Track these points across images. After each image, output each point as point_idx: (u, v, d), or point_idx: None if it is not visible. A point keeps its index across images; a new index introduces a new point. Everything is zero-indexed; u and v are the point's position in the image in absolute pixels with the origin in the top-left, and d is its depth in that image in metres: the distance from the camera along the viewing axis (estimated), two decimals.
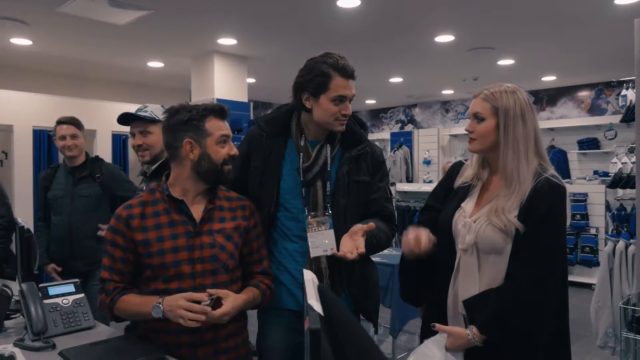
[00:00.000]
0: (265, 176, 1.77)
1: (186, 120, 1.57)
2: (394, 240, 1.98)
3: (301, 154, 1.75)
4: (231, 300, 1.50)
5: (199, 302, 1.44)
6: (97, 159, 3.09)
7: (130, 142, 2.32)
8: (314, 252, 1.68)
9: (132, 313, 1.56)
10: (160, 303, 1.46)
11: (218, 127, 1.59)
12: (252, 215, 1.69)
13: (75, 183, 2.94)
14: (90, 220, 2.89)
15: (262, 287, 1.66)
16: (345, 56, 1.72)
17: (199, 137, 1.57)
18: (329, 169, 1.75)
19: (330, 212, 1.69)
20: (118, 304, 1.56)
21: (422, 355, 1.47)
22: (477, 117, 1.55)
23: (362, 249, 1.56)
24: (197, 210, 1.60)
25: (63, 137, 2.91)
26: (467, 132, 1.60)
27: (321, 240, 1.67)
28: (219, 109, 1.61)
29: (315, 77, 1.67)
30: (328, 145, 1.77)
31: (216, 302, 1.47)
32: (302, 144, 1.76)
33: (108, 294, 1.57)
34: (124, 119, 2.28)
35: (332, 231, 1.69)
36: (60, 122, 2.96)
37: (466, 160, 1.72)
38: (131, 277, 1.61)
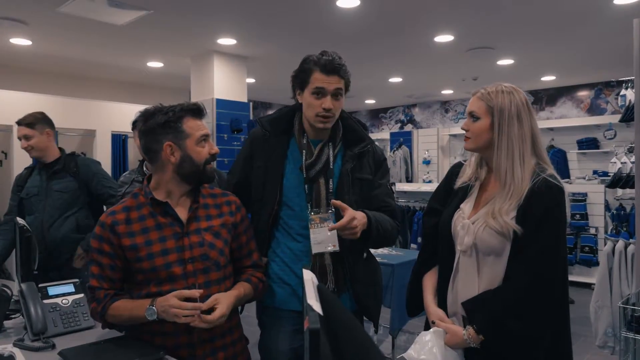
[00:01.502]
0: (268, 175, 1.78)
1: (163, 123, 1.55)
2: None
3: (304, 151, 1.76)
4: (224, 302, 1.50)
5: (190, 299, 1.45)
6: (72, 154, 2.89)
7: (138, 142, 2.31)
8: (315, 249, 1.68)
9: (125, 318, 1.55)
10: (153, 305, 1.47)
11: (196, 127, 1.58)
12: (238, 210, 1.69)
13: (49, 178, 2.75)
14: (64, 218, 2.72)
15: (253, 280, 1.67)
16: (340, 55, 1.73)
17: (178, 139, 1.56)
18: (331, 167, 1.76)
19: (333, 209, 1.69)
20: (110, 310, 1.55)
21: (424, 344, 1.48)
22: (473, 116, 1.56)
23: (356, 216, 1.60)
24: (183, 211, 1.60)
25: (19, 139, 2.76)
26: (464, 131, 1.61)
27: (323, 237, 1.67)
28: (195, 109, 1.60)
29: (300, 72, 1.74)
30: (330, 143, 1.79)
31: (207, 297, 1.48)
32: (304, 142, 1.78)
33: (99, 302, 1.56)
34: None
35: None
36: (16, 122, 2.79)
37: (465, 160, 1.72)
38: (121, 284, 1.60)
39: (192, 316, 1.43)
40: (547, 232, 1.45)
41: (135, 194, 1.64)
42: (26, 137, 2.75)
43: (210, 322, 1.46)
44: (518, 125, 1.50)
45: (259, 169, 1.80)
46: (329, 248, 1.67)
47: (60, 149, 2.88)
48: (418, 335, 1.54)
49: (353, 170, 1.77)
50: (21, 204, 2.82)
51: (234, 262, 1.70)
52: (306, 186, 1.75)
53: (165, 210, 1.58)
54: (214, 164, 1.68)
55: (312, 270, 1.72)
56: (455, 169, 1.73)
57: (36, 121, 2.79)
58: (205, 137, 1.60)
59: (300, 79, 1.74)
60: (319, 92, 1.70)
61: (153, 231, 1.56)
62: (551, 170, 1.52)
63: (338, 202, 1.63)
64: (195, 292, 1.46)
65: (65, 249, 2.73)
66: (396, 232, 1.82)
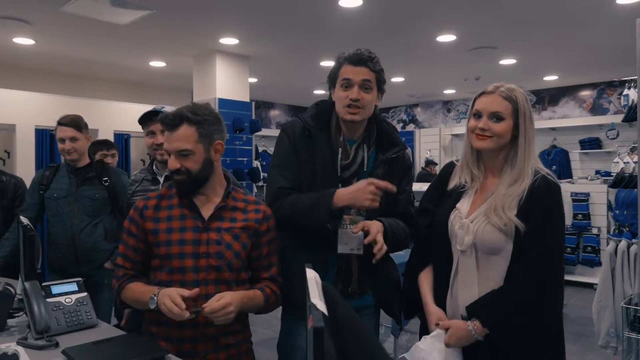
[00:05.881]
0: (319, 172, 1.74)
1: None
2: None
3: (340, 149, 1.76)
4: (228, 296, 1.48)
5: (194, 299, 1.47)
6: (102, 162, 2.97)
7: (149, 141, 2.33)
8: (341, 249, 1.69)
9: (134, 301, 1.61)
10: (156, 294, 1.48)
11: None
12: (265, 220, 1.67)
13: (79, 184, 2.79)
14: (94, 225, 2.77)
15: (267, 291, 1.66)
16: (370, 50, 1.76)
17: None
18: (365, 169, 1.76)
19: (364, 212, 1.70)
20: (124, 291, 1.62)
21: (419, 351, 1.47)
22: (496, 116, 1.52)
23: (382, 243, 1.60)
24: (208, 208, 1.62)
25: (62, 140, 2.75)
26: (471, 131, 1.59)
27: (350, 239, 1.68)
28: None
29: (332, 70, 1.77)
30: (365, 145, 1.79)
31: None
32: (340, 140, 1.78)
33: (117, 280, 1.65)
34: (146, 117, 2.30)
35: (362, 232, 1.68)
36: (59, 123, 2.79)
37: (457, 160, 1.71)
38: (143, 267, 1.65)
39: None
40: (552, 232, 1.46)
41: (171, 184, 1.68)
42: (72, 139, 2.76)
43: (213, 310, 1.45)
44: (532, 126, 1.54)
45: (306, 163, 1.76)
46: (354, 250, 1.68)
47: (89, 155, 2.91)
48: (420, 339, 1.54)
49: (384, 176, 1.74)
50: (42, 203, 2.83)
51: (252, 271, 1.69)
52: (340, 185, 1.73)
53: (189, 204, 1.62)
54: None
55: (337, 272, 1.73)
56: (448, 169, 1.72)
57: (83, 125, 2.82)
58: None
59: (331, 76, 1.77)
60: (347, 84, 1.70)
61: (176, 220, 1.61)
62: (546, 169, 1.55)
63: (368, 223, 1.62)
64: (185, 293, 1.44)
65: (93, 257, 2.77)
66: (410, 240, 1.82)
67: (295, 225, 1.73)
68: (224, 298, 1.48)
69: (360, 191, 1.62)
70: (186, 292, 1.46)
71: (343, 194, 1.64)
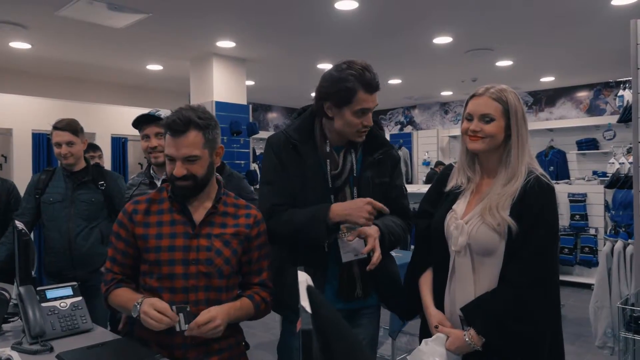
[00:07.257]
0: (309, 185, 1.73)
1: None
2: None
3: (328, 160, 1.74)
4: (213, 309, 1.48)
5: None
6: (97, 165, 2.97)
7: (144, 144, 2.33)
8: (345, 258, 1.69)
9: (120, 307, 1.60)
10: (139, 303, 1.48)
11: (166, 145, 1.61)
12: (256, 225, 1.66)
13: (75, 188, 2.78)
14: (90, 229, 2.77)
15: (256, 298, 1.65)
16: (369, 64, 1.69)
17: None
18: (355, 175, 1.75)
19: None
20: (110, 296, 1.61)
21: (421, 354, 1.48)
22: (487, 118, 1.53)
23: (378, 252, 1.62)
24: (200, 213, 1.61)
25: (58, 144, 2.74)
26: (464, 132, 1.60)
27: (351, 246, 1.68)
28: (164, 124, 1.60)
29: (340, 90, 1.64)
30: (352, 150, 1.77)
31: (189, 316, 1.48)
32: (327, 150, 1.75)
33: (105, 284, 1.63)
34: (140, 120, 2.30)
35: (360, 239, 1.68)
36: (55, 127, 2.77)
37: (456, 162, 1.72)
38: (131, 271, 1.64)
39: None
40: (542, 232, 1.46)
41: (162, 188, 1.67)
42: (69, 144, 2.75)
43: (198, 324, 1.45)
44: (525, 125, 1.54)
45: (295, 177, 1.74)
46: (358, 256, 1.68)
47: (85, 159, 2.91)
48: (420, 343, 1.54)
49: (373, 177, 1.76)
50: (38, 207, 2.82)
51: (243, 276, 1.69)
52: (332, 196, 1.72)
53: (181, 209, 1.60)
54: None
55: (340, 278, 1.73)
56: (447, 171, 1.73)
57: (79, 129, 2.82)
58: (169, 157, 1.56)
59: (340, 97, 1.65)
60: (363, 112, 1.66)
61: (166, 226, 1.59)
62: (541, 169, 1.55)
63: (364, 229, 1.62)
64: (175, 321, 1.45)
65: (90, 261, 2.76)
66: (407, 233, 1.83)
67: (293, 242, 1.73)
68: (209, 312, 1.47)
69: (356, 209, 1.62)
70: (167, 312, 1.45)
71: (338, 210, 1.64)
